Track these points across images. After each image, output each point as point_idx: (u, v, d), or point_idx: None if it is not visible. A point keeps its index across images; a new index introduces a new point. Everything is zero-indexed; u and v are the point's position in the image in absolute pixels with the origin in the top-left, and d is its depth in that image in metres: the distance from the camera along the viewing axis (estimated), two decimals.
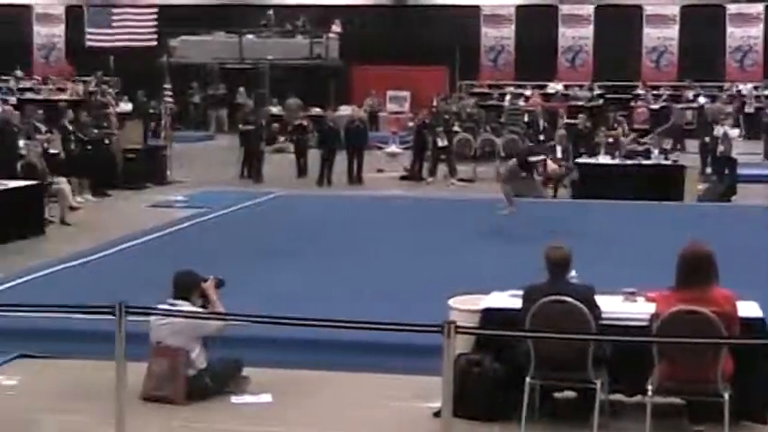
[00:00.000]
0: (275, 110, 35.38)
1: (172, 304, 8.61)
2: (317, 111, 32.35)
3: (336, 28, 38.71)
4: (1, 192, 15.95)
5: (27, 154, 18.25)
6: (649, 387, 7.63)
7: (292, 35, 38.51)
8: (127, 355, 7.28)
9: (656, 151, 21.79)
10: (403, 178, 25.18)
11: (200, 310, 8.74)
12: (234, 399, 8.69)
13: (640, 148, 22.56)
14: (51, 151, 20.41)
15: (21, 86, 39.14)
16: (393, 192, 23.12)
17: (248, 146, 24.98)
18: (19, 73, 40.13)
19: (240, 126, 25.87)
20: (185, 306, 8.62)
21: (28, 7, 42.50)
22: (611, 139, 23.27)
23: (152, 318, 8.58)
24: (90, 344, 9.43)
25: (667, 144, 23.43)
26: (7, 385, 9.14)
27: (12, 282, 12.53)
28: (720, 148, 22.83)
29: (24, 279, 12.72)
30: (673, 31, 39.11)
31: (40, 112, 23.37)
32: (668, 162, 21.54)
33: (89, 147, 21.12)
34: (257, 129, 25.16)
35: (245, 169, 24.90)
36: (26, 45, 42.66)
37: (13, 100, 35.31)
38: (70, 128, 21.36)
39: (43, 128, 21.71)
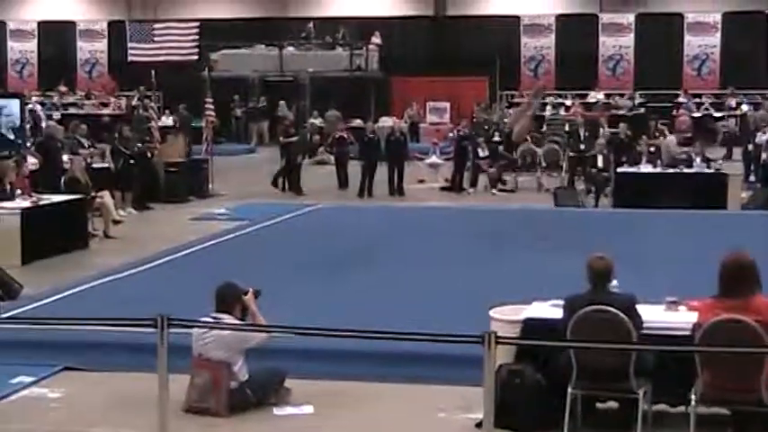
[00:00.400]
0: (316, 122, 35.53)
1: (215, 317, 8.64)
2: (357, 122, 32.47)
3: (376, 40, 38.80)
4: (45, 206, 16.09)
5: (70, 168, 18.41)
6: (693, 397, 7.59)
7: (332, 47, 38.64)
8: (169, 368, 7.33)
9: (698, 159, 21.63)
10: (444, 189, 25.18)
11: (243, 322, 8.77)
12: (276, 410, 8.71)
13: (683, 156, 22.44)
14: (95, 165, 20.62)
15: (64, 102, 39.49)
16: (434, 203, 23.12)
17: (289, 158, 25.06)
18: (63, 88, 40.49)
19: (281, 138, 25.96)
20: (228, 319, 8.66)
21: (71, 23, 42.92)
22: (652, 148, 23.17)
23: (194, 330, 8.62)
24: (133, 356, 9.50)
25: (711, 152, 23.30)
26: (52, 398, 9.21)
27: (56, 295, 12.63)
28: (764, 155, 22.67)
29: (68, 292, 12.82)
30: (714, 39, 38.89)
31: (84, 126, 23.58)
32: (711, 170, 21.38)
33: (132, 161, 21.28)
34: (300, 141, 25.23)
35: (281, 181, 24.93)
36: (70, 61, 43.09)
37: (57, 115, 35.63)
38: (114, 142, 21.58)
39: (87, 142, 21.91)
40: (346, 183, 25.46)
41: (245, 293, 8.89)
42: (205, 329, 8.58)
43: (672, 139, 25.37)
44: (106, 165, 21.13)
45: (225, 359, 8.59)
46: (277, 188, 24.77)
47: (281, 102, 37.24)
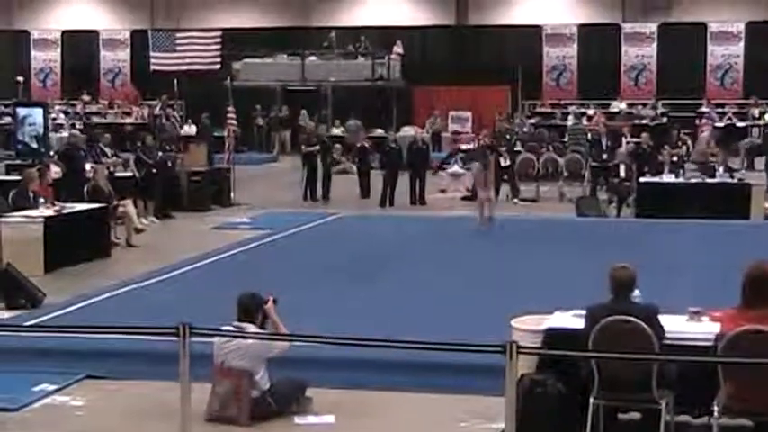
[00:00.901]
0: (338, 131, 35.58)
1: (237, 327, 8.65)
2: (379, 132, 32.49)
3: (398, 49, 38.84)
4: (68, 214, 16.15)
5: (93, 177, 18.48)
6: (715, 408, 7.54)
7: (354, 57, 38.70)
8: (191, 376, 7.33)
9: (720, 169, 21.55)
10: (465, 198, 25.15)
11: (265, 331, 8.78)
12: (297, 419, 8.71)
13: (712, 158, 22.31)
14: (117, 174, 20.70)
15: (87, 111, 39.66)
16: (455, 212, 23.10)
17: (311, 167, 25.10)
18: (86, 97, 40.68)
19: (303, 148, 26.02)
20: (251, 328, 8.67)
21: (94, 33, 43.14)
22: (674, 158, 23.09)
23: (216, 339, 8.64)
24: (155, 365, 9.52)
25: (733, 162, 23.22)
26: (74, 406, 9.24)
27: (78, 303, 12.69)
28: None
29: (91, 301, 12.88)
30: (738, 48, 38.74)
31: (108, 135, 23.66)
32: (734, 180, 21.30)
33: (154, 170, 21.35)
34: (322, 150, 25.27)
35: (309, 190, 25.01)
36: (92, 70, 43.30)
37: (79, 124, 35.81)
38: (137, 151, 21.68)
39: (110, 151, 21.99)
40: (368, 192, 25.48)
41: (266, 302, 8.90)
42: (227, 338, 8.60)
43: (705, 136, 25.31)
44: (129, 174, 21.21)
45: (247, 368, 8.60)
46: (307, 200, 24.75)
47: (303, 111, 37.31)
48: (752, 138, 33.11)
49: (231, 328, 8.64)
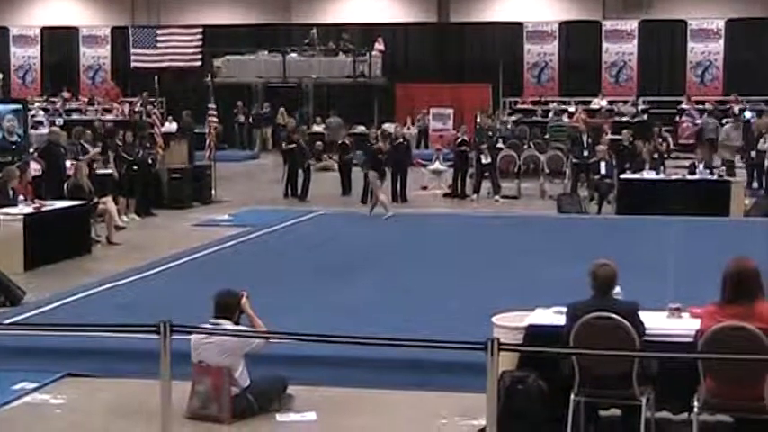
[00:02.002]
0: (319, 128, 35.54)
1: (214, 323, 8.64)
2: (361, 129, 32.46)
3: (379, 46, 38.82)
4: (48, 212, 16.09)
5: (74, 174, 18.41)
6: (696, 404, 7.57)
7: (335, 53, 38.66)
8: (173, 374, 7.32)
9: (701, 166, 21.62)
10: (447, 195, 25.18)
11: (244, 328, 8.77)
12: (279, 417, 8.70)
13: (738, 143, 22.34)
14: (98, 171, 20.62)
15: (67, 108, 39.51)
16: (437, 209, 23.13)
17: (291, 164, 25.07)
18: (66, 94, 40.53)
19: (283, 145, 25.99)
20: (228, 325, 8.65)
21: (74, 29, 42.96)
22: (655, 155, 23.16)
23: (192, 337, 8.61)
24: (136, 363, 9.50)
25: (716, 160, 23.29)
26: (54, 404, 9.21)
27: (59, 301, 12.64)
28: (767, 162, 22.64)
29: (71, 298, 12.83)
30: (718, 46, 38.88)
31: (88, 132, 23.54)
32: (714, 177, 21.37)
33: (135, 167, 21.28)
34: (299, 148, 25.21)
35: (289, 187, 24.98)
36: (73, 66, 43.11)
37: (60, 121, 35.67)
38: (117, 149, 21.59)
39: (91, 148, 21.89)
40: (349, 189, 25.47)
41: (241, 298, 8.88)
42: (204, 336, 8.58)
43: (728, 128, 25.57)
44: (109, 171, 21.14)
45: (225, 365, 8.58)
46: (288, 197, 24.72)
47: (281, 108, 37.26)
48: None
49: (208, 326, 8.63)
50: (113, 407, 9.05)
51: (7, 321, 11.33)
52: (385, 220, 20.22)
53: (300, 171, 24.97)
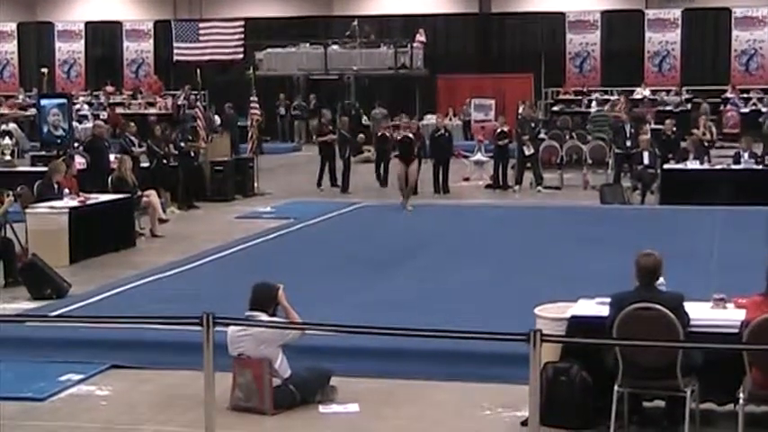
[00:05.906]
0: (364, 120, 35.51)
1: (249, 316, 8.66)
2: (404, 120, 32.38)
3: (421, 37, 38.73)
4: (93, 205, 16.21)
5: (118, 167, 18.52)
6: (741, 395, 7.52)
7: (377, 45, 38.62)
8: (215, 366, 7.36)
9: (745, 155, 21.42)
10: (488, 187, 25.11)
11: (281, 319, 8.80)
12: (321, 408, 8.73)
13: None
14: (142, 165, 20.72)
15: (111, 101, 39.75)
16: (479, 200, 23.07)
17: (325, 156, 25.09)
18: (109, 88, 40.78)
19: (315, 138, 26.01)
20: (263, 316, 8.67)
21: (118, 23, 43.23)
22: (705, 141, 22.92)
23: (229, 331, 8.63)
24: (180, 354, 9.57)
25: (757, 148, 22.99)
26: (99, 395, 9.29)
27: (103, 294, 12.74)
28: None
29: (115, 291, 12.92)
30: (763, 33, 38.45)
31: (133, 125, 23.67)
32: (759, 166, 21.16)
33: (165, 160, 21.32)
34: (340, 141, 25.18)
35: (321, 178, 24.99)
36: (116, 60, 43.38)
37: (104, 115, 35.91)
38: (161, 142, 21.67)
39: (136, 141, 22.01)
40: (386, 181, 25.37)
41: (277, 290, 8.89)
42: (240, 329, 8.60)
43: None
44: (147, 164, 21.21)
45: (265, 356, 8.60)
46: (320, 187, 24.74)
47: (312, 100, 37.35)
48: None
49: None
50: (157, 398, 9.12)
51: (53, 314, 11.43)
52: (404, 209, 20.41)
53: (341, 163, 24.98)
